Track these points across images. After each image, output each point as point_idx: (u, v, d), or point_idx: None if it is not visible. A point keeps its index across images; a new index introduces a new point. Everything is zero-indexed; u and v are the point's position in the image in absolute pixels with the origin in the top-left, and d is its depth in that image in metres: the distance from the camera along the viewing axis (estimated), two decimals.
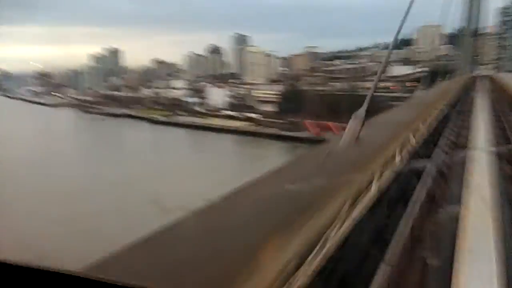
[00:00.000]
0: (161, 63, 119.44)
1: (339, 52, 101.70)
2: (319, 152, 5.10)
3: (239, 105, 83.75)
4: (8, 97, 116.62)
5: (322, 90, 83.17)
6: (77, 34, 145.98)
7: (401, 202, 4.85)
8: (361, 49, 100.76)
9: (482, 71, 65.47)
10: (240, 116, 77.94)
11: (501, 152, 7.54)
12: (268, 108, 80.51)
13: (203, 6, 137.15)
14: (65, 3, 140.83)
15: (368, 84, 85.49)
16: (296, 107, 75.24)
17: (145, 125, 77.15)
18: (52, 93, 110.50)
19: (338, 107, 65.59)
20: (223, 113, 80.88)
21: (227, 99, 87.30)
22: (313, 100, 76.90)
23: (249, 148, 58.94)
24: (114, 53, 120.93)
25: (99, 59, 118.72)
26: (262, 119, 75.65)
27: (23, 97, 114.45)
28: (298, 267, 2.35)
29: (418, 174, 6.01)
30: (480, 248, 3.26)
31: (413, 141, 6.86)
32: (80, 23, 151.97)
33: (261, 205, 2.96)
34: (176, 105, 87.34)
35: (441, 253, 3.77)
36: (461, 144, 9.10)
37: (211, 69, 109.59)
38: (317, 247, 2.65)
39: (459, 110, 16.46)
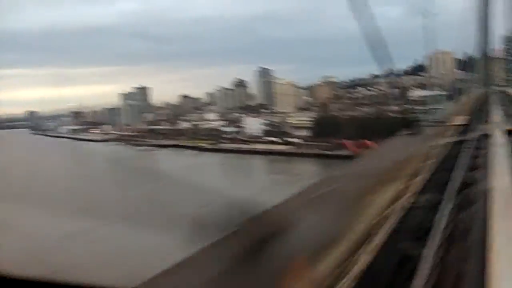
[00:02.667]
0: (186, 97, 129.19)
1: (358, 80, 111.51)
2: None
3: (276, 131, 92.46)
4: (50, 136, 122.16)
5: (350, 115, 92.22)
6: (97, 74, 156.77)
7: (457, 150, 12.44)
8: (376, 76, 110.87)
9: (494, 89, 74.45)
10: (280, 141, 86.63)
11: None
12: (303, 133, 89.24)
13: (211, 43, 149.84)
14: (81, 46, 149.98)
15: (391, 108, 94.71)
16: (329, 130, 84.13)
17: (195, 152, 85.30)
18: (94, 130, 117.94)
19: (367, 129, 74.60)
20: (263, 139, 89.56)
21: (263, 127, 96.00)
22: (343, 124, 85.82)
23: (300, 166, 67.37)
24: (143, 90, 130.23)
25: (129, 96, 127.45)
26: (301, 142, 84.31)
27: (65, 135, 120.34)
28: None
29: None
30: None
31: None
32: (99, 63, 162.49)
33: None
34: (216, 135, 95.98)
35: None
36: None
37: (238, 101, 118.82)
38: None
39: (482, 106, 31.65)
